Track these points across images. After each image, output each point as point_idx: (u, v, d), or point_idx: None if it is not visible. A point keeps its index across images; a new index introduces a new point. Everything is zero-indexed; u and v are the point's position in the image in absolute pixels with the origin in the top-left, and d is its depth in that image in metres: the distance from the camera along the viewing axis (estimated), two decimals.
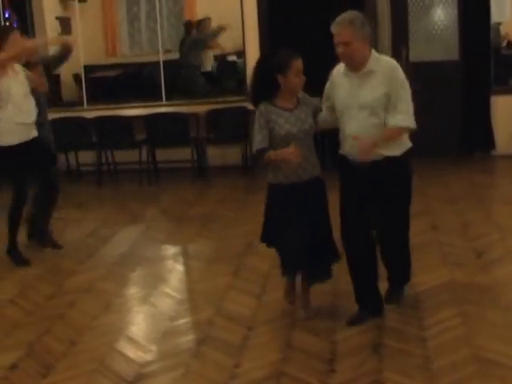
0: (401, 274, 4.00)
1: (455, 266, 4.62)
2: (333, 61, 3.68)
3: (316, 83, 3.84)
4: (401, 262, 3.97)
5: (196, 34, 9.82)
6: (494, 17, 7.86)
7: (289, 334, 3.72)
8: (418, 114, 3.61)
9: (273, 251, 3.96)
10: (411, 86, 3.60)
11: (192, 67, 9.51)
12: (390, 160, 3.58)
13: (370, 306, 3.81)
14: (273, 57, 3.62)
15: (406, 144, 3.68)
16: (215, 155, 8.07)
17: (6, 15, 9.40)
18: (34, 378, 3.49)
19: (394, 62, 3.60)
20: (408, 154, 3.68)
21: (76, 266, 5.21)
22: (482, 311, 3.85)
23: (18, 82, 5.11)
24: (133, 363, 3.56)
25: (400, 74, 3.54)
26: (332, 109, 3.71)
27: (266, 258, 4.64)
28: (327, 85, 3.74)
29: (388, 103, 3.51)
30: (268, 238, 3.86)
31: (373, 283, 3.81)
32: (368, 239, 3.75)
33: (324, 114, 3.76)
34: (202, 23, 9.74)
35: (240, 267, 4.79)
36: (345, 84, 3.61)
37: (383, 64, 3.55)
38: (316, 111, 3.76)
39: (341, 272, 3.96)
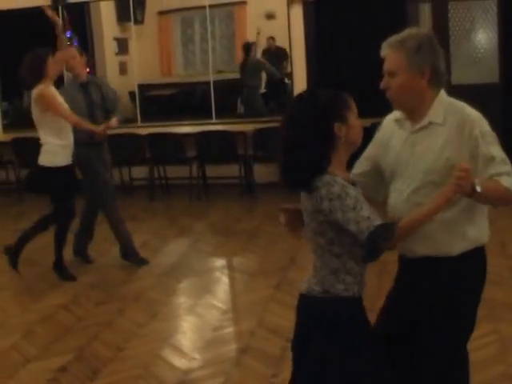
0: None
1: (492, 284, 4.48)
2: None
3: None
4: None
5: (255, 56, 10.07)
6: None
7: None
8: None
9: None
10: None
11: (251, 88, 9.62)
12: (449, 262, 2.34)
13: None
14: (319, 100, 2.18)
15: (481, 233, 2.40)
16: (262, 172, 8.12)
17: (68, 35, 9.86)
18: (82, 381, 3.62)
19: (468, 111, 2.33)
20: (481, 251, 2.40)
21: (126, 275, 5.38)
22: None
23: None
24: (176, 370, 3.66)
25: (479, 124, 2.31)
26: (369, 174, 2.49)
27: (307, 273, 4.72)
28: (376, 135, 2.52)
29: (449, 171, 2.19)
30: None
31: None
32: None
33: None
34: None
35: (282, 281, 4.87)
36: (396, 138, 2.40)
37: (455, 114, 2.31)
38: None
39: None
